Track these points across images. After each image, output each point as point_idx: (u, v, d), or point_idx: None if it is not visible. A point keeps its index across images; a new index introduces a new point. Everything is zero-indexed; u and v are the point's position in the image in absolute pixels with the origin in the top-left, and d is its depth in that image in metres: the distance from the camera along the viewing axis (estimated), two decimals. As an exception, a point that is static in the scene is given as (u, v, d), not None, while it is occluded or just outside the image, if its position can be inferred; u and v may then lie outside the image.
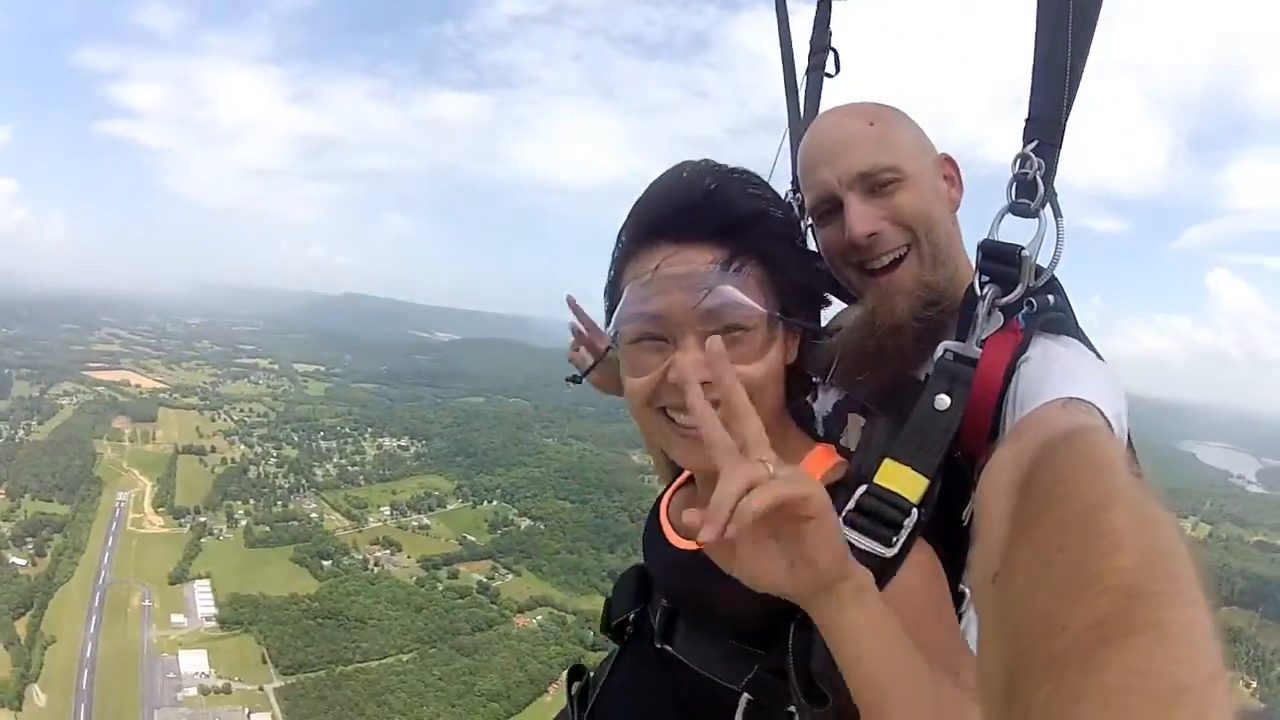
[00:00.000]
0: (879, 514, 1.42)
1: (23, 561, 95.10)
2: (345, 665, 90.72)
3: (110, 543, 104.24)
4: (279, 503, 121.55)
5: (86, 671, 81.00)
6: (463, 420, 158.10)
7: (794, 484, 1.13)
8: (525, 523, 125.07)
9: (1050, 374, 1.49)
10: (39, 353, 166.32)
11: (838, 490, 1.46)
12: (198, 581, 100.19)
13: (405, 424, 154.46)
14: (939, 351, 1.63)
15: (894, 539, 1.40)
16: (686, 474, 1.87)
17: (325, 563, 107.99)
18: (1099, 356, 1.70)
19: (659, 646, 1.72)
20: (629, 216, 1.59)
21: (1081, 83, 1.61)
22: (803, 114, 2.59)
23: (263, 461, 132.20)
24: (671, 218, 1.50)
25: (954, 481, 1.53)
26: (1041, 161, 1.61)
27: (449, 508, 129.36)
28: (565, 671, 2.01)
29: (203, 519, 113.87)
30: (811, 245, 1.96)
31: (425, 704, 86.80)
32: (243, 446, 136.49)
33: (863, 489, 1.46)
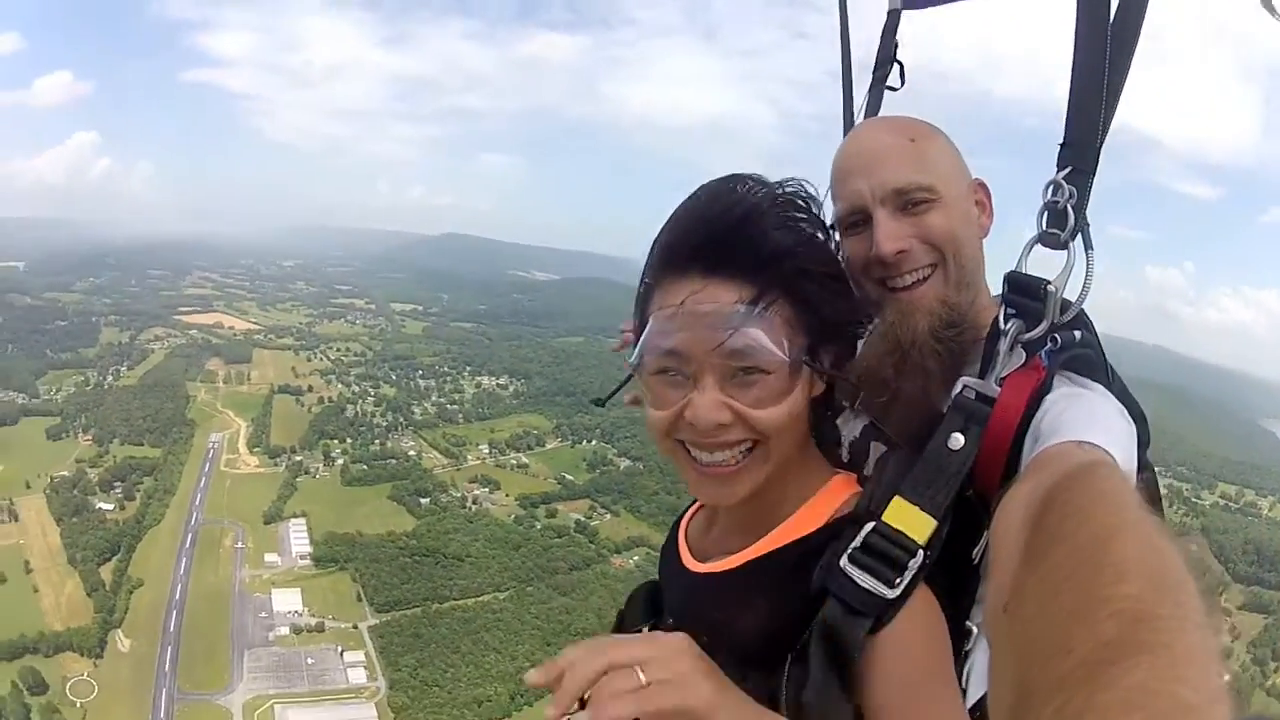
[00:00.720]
0: (885, 554, 1.42)
1: (110, 506, 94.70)
2: (441, 603, 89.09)
3: (203, 484, 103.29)
4: (376, 441, 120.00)
5: (175, 614, 79.62)
6: (562, 359, 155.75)
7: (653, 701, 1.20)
8: (624, 463, 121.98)
9: (1068, 415, 1.48)
10: (128, 299, 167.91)
11: (846, 525, 1.50)
12: (293, 520, 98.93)
13: (504, 363, 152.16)
14: (958, 387, 1.62)
15: (897, 581, 1.40)
16: None
17: (423, 500, 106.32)
18: (1127, 394, 1.70)
19: None
20: (661, 235, 1.57)
21: (1118, 108, 1.57)
22: (860, 121, 2.47)
23: (360, 400, 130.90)
24: (701, 248, 1.49)
25: (965, 520, 1.53)
26: (1074, 190, 1.58)
27: (547, 447, 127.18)
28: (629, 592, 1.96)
29: (299, 458, 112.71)
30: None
31: (520, 642, 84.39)
32: (339, 386, 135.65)
33: (870, 526, 1.46)
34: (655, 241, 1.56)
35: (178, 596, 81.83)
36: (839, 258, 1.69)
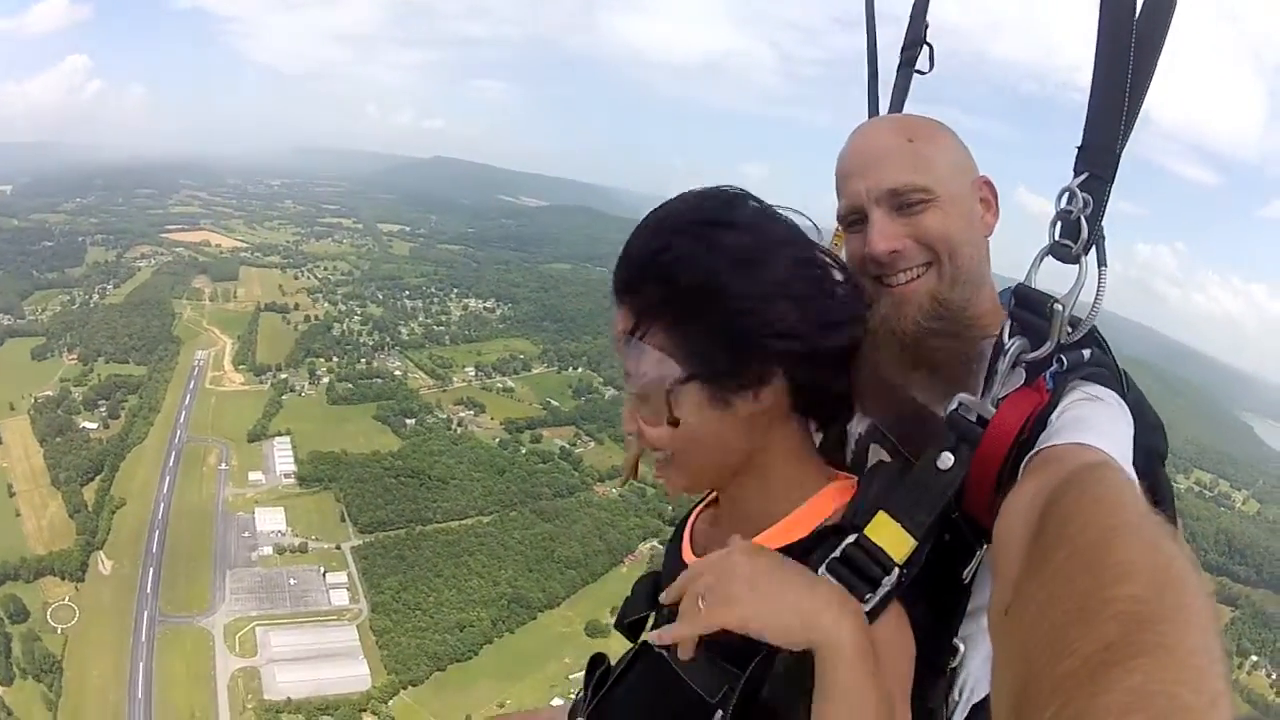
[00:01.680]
0: (861, 568, 1.42)
1: (94, 425, 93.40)
2: (424, 525, 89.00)
3: (187, 401, 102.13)
4: (362, 360, 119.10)
5: (157, 534, 79.01)
6: (549, 285, 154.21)
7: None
8: (610, 391, 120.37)
9: (1071, 416, 1.47)
10: (115, 218, 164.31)
11: (830, 534, 1.50)
12: (277, 439, 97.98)
13: (491, 286, 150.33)
14: (954, 403, 1.57)
15: (869, 596, 1.40)
16: (713, 494, 1.89)
17: (409, 421, 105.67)
18: (1144, 405, 1.68)
19: (658, 650, 1.74)
20: None
21: (1140, 112, 1.49)
22: (886, 111, 2.44)
23: (346, 319, 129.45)
24: (614, 272, 1.62)
25: (958, 539, 1.53)
26: (1089, 198, 1.50)
27: (533, 371, 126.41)
28: (588, 658, 2.06)
29: (284, 376, 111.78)
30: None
31: (503, 567, 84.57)
32: (326, 304, 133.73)
33: (851, 539, 1.45)
34: None
35: (160, 516, 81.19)
36: (725, 266, 1.52)
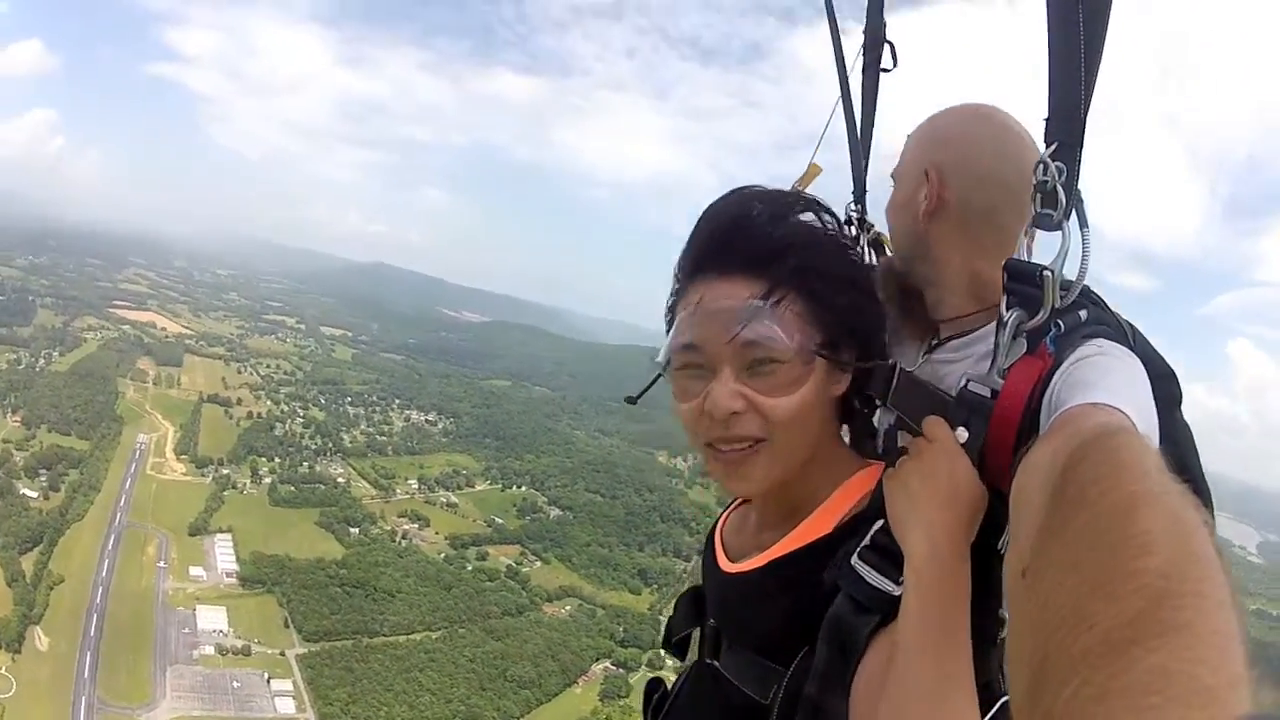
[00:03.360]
0: (891, 551, 1.43)
1: (35, 494, 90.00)
2: (371, 637, 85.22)
3: (129, 485, 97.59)
4: (305, 463, 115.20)
5: (95, 617, 74.40)
6: (491, 402, 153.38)
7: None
8: (555, 511, 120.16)
9: (1082, 376, 1.43)
10: (65, 284, 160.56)
11: (860, 522, 1.52)
12: (219, 535, 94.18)
13: (433, 399, 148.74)
14: (961, 381, 1.58)
15: (901, 578, 1.40)
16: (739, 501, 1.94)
17: (352, 530, 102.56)
18: (1151, 352, 1.67)
19: (708, 662, 1.78)
20: (684, 247, 1.67)
21: (1098, 75, 1.49)
22: (859, 112, 2.51)
23: (289, 420, 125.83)
24: (714, 250, 1.58)
25: (985, 512, 1.48)
26: (1061, 165, 1.51)
27: (477, 488, 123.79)
28: (645, 683, 2.09)
29: (226, 471, 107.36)
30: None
31: (455, 685, 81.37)
32: (269, 402, 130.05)
33: (879, 524, 1.47)
34: (681, 251, 1.66)
35: (99, 600, 76.25)
36: (856, 262, 1.70)
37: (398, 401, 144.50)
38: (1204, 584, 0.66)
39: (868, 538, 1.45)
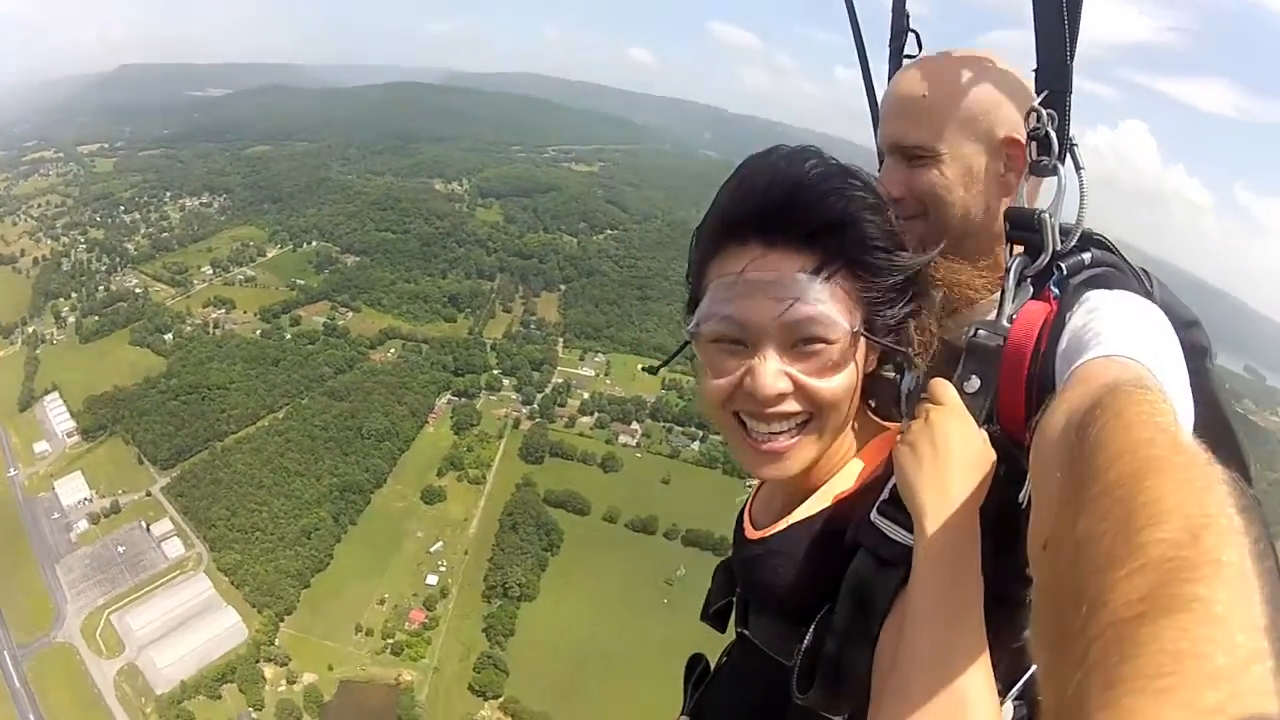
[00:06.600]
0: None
1: None
2: (221, 440, 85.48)
3: None
4: (101, 287, 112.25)
5: None
6: (258, 168, 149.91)
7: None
8: (351, 258, 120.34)
9: (1094, 328, 1.36)
10: None
11: (881, 480, 1.45)
12: (47, 398, 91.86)
13: (202, 181, 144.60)
14: (969, 330, 1.54)
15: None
16: None
17: (166, 337, 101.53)
18: (1170, 297, 1.62)
19: (740, 631, 1.73)
20: (718, 200, 1.48)
21: (1080, 23, 1.54)
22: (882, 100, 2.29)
23: (73, 250, 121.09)
24: (763, 215, 1.40)
25: (1005, 464, 1.41)
26: (1052, 113, 1.53)
27: (269, 255, 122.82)
28: (687, 659, 2.06)
29: (31, 328, 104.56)
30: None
31: (319, 459, 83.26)
32: (49, 241, 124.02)
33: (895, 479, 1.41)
34: (709, 210, 1.48)
35: None
36: (901, 238, 1.49)
37: (169, 194, 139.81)
38: (1218, 551, 0.62)
39: (887, 490, 1.39)
